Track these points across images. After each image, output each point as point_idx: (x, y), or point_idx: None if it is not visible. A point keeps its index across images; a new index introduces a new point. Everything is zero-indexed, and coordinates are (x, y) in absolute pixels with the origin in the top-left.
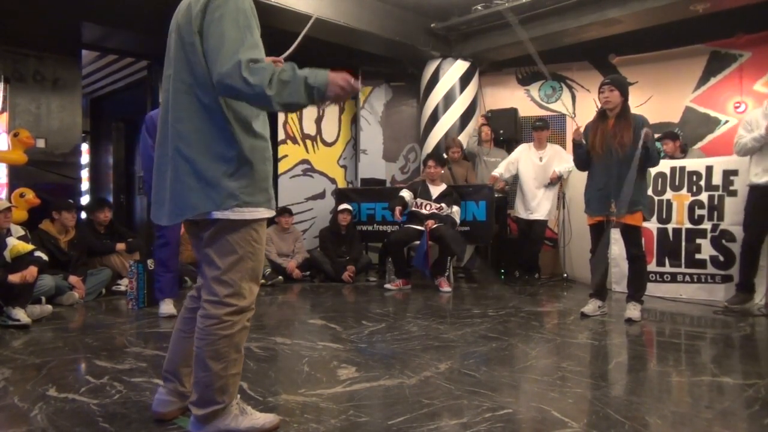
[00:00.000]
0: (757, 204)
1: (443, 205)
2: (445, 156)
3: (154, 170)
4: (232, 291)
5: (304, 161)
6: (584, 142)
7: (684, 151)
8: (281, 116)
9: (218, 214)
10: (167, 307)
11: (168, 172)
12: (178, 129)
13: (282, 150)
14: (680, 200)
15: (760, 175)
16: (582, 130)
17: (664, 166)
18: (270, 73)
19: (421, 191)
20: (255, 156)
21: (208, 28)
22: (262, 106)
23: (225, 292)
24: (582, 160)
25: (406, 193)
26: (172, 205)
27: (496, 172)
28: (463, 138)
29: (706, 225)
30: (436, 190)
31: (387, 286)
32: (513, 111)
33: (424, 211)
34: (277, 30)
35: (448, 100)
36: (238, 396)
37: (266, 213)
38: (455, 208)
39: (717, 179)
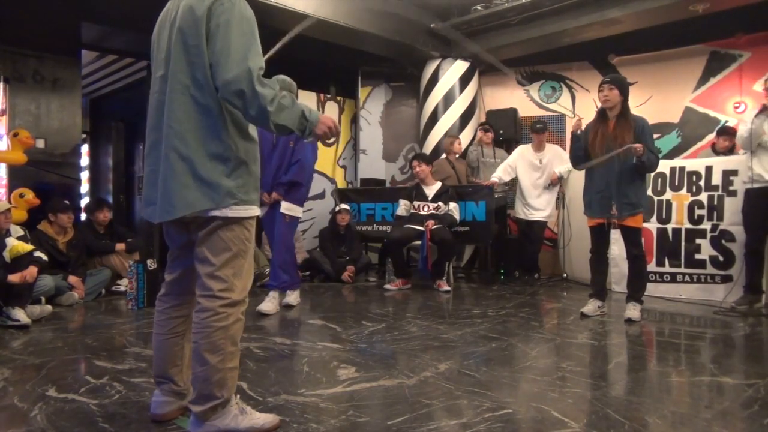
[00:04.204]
0: (755, 205)
1: (440, 204)
2: (446, 155)
3: (146, 171)
4: (225, 286)
5: None
6: (581, 137)
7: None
8: None
9: (216, 212)
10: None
11: (160, 172)
12: (176, 129)
13: None
14: (680, 200)
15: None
16: (583, 126)
17: (664, 166)
18: (275, 92)
19: (416, 194)
20: (249, 157)
21: (216, 31)
22: (256, 119)
23: (219, 286)
24: (578, 155)
25: (403, 209)
26: (165, 202)
27: (494, 176)
28: (464, 140)
29: (706, 225)
30: (431, 190)
31: (387, 286)
32: (513, 111)
33: (423, 213)
34: (276, 30)
35: (448, 100)
36: (238, 396)
37: (258, 211)
38: (452, 205)
39: (716, 179)
